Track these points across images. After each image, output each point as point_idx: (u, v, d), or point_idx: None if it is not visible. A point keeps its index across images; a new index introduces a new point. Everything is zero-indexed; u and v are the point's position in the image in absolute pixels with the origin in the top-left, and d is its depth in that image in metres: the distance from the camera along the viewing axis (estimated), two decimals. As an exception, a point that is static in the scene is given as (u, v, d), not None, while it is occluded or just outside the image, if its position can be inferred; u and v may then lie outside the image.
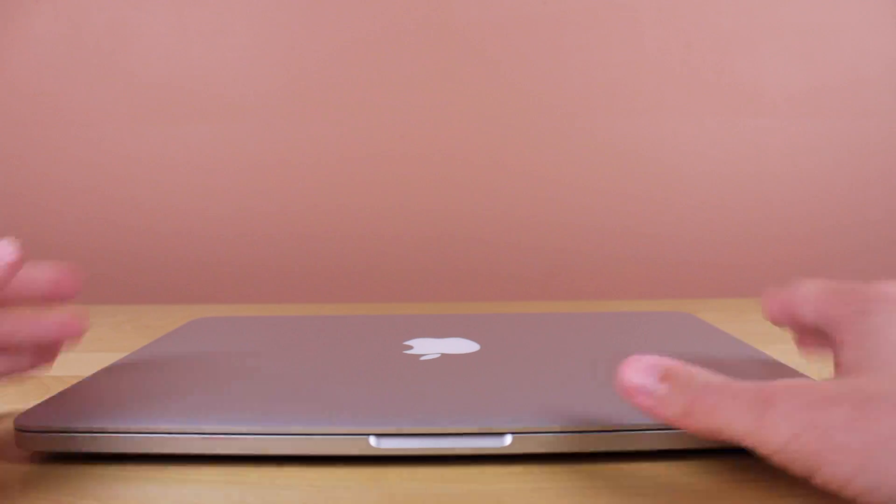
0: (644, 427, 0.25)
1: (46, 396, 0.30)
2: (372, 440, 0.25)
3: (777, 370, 0.32)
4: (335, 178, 0.74)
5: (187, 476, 0.25)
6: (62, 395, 0.30)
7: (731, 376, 0.21)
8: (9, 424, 0.30)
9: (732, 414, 0.19)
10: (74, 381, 0.37)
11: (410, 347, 0.35)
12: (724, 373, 0.21)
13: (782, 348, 0.36)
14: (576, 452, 0.25)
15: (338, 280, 0.76)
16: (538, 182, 0.74)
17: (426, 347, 0.35)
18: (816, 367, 0.34)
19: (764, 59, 0.72)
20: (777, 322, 0.27)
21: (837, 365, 0.23)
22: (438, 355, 0.34)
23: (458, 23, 0.72)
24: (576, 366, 0.32)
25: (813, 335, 0.27)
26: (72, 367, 0.40)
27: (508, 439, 0.24)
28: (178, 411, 0.26)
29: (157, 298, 0.76)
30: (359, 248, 0.75)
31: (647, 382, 0.21)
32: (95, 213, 0.76)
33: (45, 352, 0.30)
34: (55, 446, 0.26)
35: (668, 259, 0.74)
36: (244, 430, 0.25)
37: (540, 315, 0.45)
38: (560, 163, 0.74)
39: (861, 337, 0.22)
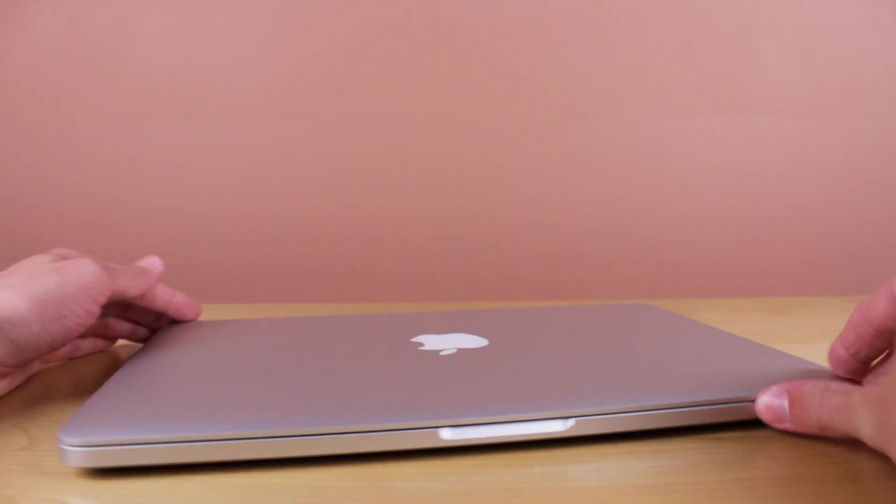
0: (695, 404, 0.27)
1: (57, 401, 0.29)
2: (444, 432, 0.25)
3: (745, 347, 0.36)
4: (336, 178, 0.74)
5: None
6: (97, 404, 0.27)
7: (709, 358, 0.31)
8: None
9: (842, 426, 0.24)
10: (76, 381, 0.37)
11: (422, 344, 0.35)
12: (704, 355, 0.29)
13: (783, 348, 0.37)
14: (631, 431, 0.27)
15: (337, 280, 0.76)
16: (538, 182, 0.74)
17: (437, 344, 0.35)
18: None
19: (764, 59, 0.72)
20: (851, 349, 0.29)
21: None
22: (455, 350, 0.34)
23: (458, 23, 0.72)
24: (587, 355, 0.34)
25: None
26: (72, 366, 0.40)
27: (572, 423, 0.26)
28: (242, 415, 0.25)
29: (157, 298, 0.76)
30: (358, 248, 0.75)
31: (777, 406, 0.27)
32: (95, 212, 0.76)
33: (162, 320, 0.44)
34: (113, 461, 0.24)
35: (668, 259, 0.74)
36: (314, 430, 0.24)
37: (524, 310, 0.46)
38: (560, 163, 0.74)
39: None
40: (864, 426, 0.22)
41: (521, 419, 0.26)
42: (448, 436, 0.25)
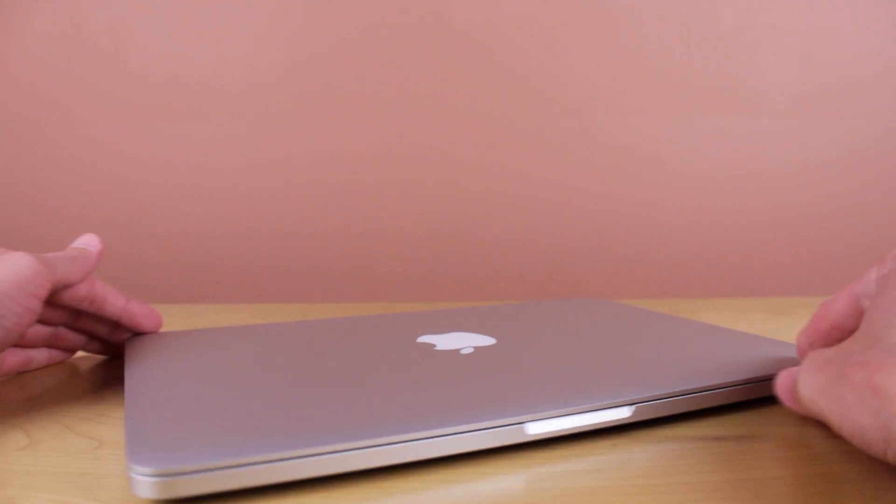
0: (740, 382, 0.29)
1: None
2: (529, 426, 0.25)
3: (697, 329, 0.39)
4: (336, 178, 0.74)
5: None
6: (149, 427, 0.24)
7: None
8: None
9: (793, 394, 0.25)
10: (76, 381, 0.37)
11: (433, 345, 0.35)
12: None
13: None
14: (684, 413, 0.28)
15: (337, 280, 0.76)
16: (538, 182, 0.74)
17: (447, 343, 0.35)
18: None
19: (764, 59, 0.72)
20: (815, 344, 0.30)
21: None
22: (472, 349, 0.34)
23: (458, 24, 0.72)
24: (592, 348, 0.35)
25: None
26: (72, 366, 0.40)
27: (633, 409, 0.27)
28: (322, 428, 0.23)
29: (157, 298, 0.76)
30: (357, 248, 0.75)
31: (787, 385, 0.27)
32: (95, 212, 0.76)
33: (120, 331, 0.39)
34: (194, 489, 0.21)
35: (668, 259, 0.74)
36: (405, 437, 0.23)
37: (501, 307, 0.47)
38: (560, 163, 0.74)
39: (872, 301, 0.24)
40: (804, 390, 0.23)
41: (592, 408, 0.26)
42: (534, 430, 0.25)
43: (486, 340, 0.36)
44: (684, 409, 0.28)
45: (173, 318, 0.58)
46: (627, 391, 0.27)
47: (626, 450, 0.26)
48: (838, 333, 0.29)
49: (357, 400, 0.26)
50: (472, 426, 0.24)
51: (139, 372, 0.31)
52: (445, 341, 0.36)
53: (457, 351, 0.34)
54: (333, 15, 0.72)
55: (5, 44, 0.74)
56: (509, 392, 0.27)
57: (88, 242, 0.37)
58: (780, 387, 0.27)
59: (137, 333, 0.39)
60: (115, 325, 0.39)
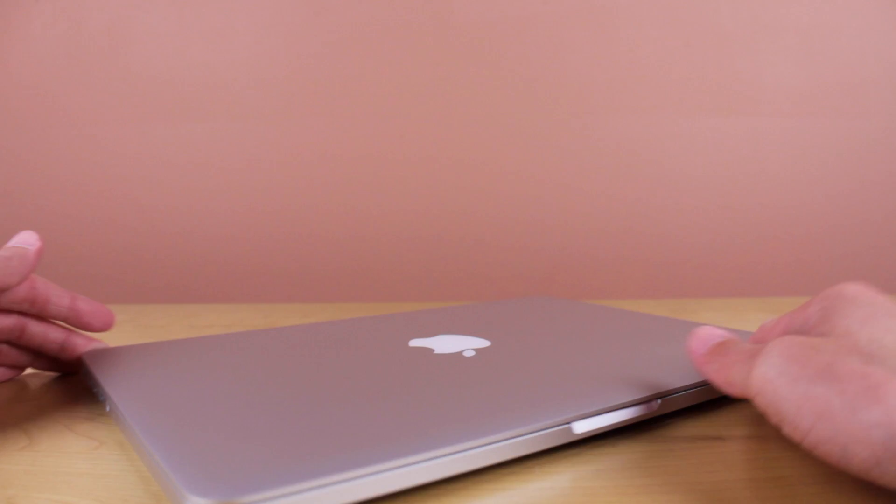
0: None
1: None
2: (576, 425, 0.25)
3: (645, 321, 0.41)
4: (336, 179, 0.74)
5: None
6: (196, 451, 0.22)
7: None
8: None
9: (736, 366, 0.23)
10: (76, 380, 0.37)
11: (431, 349, 0.34)
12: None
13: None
14: (706, 401, 0.30)
15: (337, 280, 0.76)
16: (538, 182, 0.74)
17: (442, 347, 0.35)
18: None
19: (764, 59, 0.72)
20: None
21: None
22: (473, 352, 0.34)
23: (459, 24, 0.72)
24: (584, 347, 0.35)
25: None
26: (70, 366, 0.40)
27: (659, 402, 0.28)
28: (384, 442, 0.22)
29: (157, 298, 0.76)
30: (357, 248, 0.75)
31: (699, 347, 0.26)
32: (95, 212, 0.76)
33: (71, 345, 0.35)
34: None
35: (668, 259, 0.74)
36: (464, 446, 0.23)
37: (456, 308, 0.47)
38: (560, 163, 0.74)
39: (826, 319, 0.23)
40: (767, 370, 0.21)
41: (629, 403, 0.27)
42: (580, 429, 0.25)
43: (480, 342, 0.36)
44: (704, 398, 0.29)
45: (173, 318, 0.58)
46: (654, 385, 0.28)
47: (626, 450, 0.26)
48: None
49: (395, 412, 0.25)
50: (523, 430, 0.24)
51: (130, 390, 0.29)
52: (439, 344, 0.36)
53: (458, 354, 0.34)
54: (333, 14, 0.72)
55: (5, 44, 0.74)
56: (547, 393, 0.27)
57: (26, 241, 0.33)
58: (698, 353, 0.26)
59: (90, 342, 0.36)
60: (66, 339, 0.35)
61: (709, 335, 0.27)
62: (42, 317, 0.34)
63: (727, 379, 0.24)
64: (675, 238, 0.74)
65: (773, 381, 0.20)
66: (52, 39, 0.74)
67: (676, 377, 0.29)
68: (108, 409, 0.28)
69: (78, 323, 0.35)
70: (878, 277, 0.74)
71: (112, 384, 0.29)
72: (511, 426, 0.24)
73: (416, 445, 0.22)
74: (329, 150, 0.74)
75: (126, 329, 0.54)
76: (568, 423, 0.25)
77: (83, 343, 0.36)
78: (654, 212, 0.74)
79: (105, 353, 0.34)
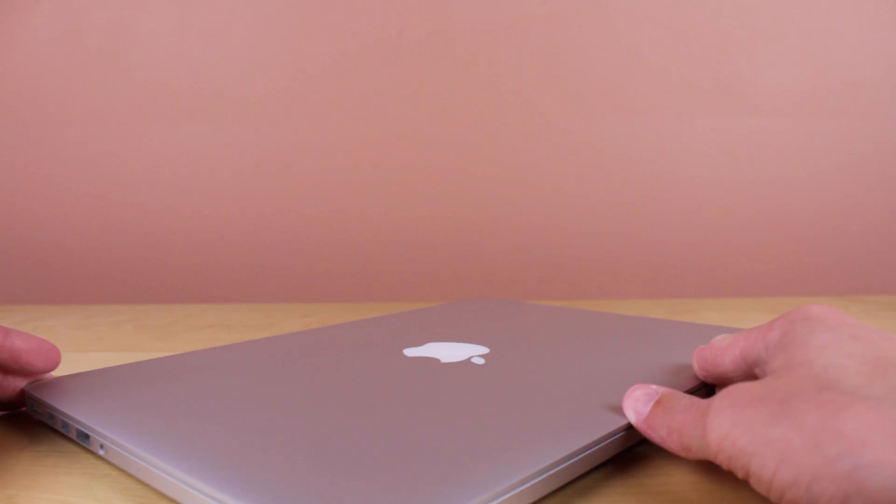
0: None
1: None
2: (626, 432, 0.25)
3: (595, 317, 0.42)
4: (336, 179, 0.74)
5: None
6: (258, 481, 0.20)
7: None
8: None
9: (690, 429, 0.21)
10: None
11: (437, 359, 0.34)
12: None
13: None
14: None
15: (337, 280, 0.76)
16: (538, 182, 0.74)
17: (446, 355, 0.35)
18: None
19: (764, 58, 0.72)
20: (704, 379, 0.29)
21: (764, 375, 0.24)
22: (482, 360, 0.33)
23: (458, 25, 0.72)
24: (586, 350, 0.36)
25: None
26: (76, 366, 0.40)
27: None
28: (483, 464, 0.21)
29: (157, 298, 0.76)
30: (357, 249, 0.75)
31: (641, 405, 0.24)
32: (95, 212, 0.76)
33: (7, 381, 0.30)
34: None
35: (667, 259, 0.74)
36: (575, 450, 0.22)
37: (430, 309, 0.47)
38: (560, 163, 0.74)
39: (785, 347, 0.22)
40: (720, 425, 0.20)
41: None
42: (626, 438, 0.25)
43: (481, 349, 0.35)
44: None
45: (173, 318, 0.58)
46: (688, 382, 0.29)
47: (627, 450, 0.26)
48: (727, 381, 0.27)
49: (464, 429, 0.24)
50: (600, 439, 0.23)
51: (123, 422, 0.25)
52: (438, 352, 0.35)
53: (467, 361, 0.33)
54: (333, 16, 0.72)
55: (5, 44, 0.74)
56: (601, 399, 0.27)
57: None
58: (640, 416, 0.24)
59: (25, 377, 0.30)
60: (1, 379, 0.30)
61: (645, 395, 0.24)
62: None
63: (682, 445, 0.22)
64: (675, 238, 0.74)
65: (728, 434, 0.19)
66: (52, 39, 0.74)
67: (684, 379, 0.29)
68: (100, 449, 0.25)
69: (14, 363, 0.29)
70: (878, 277, 0.74)
71: (98, 419, 0.26)
72: (593, 435, 0.23)
73: (519, 469, 0.21)
74: (329, 150, 0.74)
75: (126, 329, 0.54)
76: (617, 433, 0.24)
77: (19, 381, 0.30)
78: (654, 212, 0.74)
79: (56, 385, 0.30)
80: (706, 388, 0.29)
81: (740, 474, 0.19)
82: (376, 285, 0.75)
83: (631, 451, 0.26)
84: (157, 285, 0.76)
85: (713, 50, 0.72)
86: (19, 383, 0.30)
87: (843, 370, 0.19)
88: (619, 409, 0.25)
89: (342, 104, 0.73)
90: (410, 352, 0.35)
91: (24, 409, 0.31)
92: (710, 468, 0.25)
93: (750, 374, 0.25)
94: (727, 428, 0.19)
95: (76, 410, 0.26)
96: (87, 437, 0.25)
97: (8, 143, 0.76)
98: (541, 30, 0.72)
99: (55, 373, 0.37)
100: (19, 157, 0.76)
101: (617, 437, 0.24)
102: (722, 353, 0.26)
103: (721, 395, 0.20)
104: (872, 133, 0.73)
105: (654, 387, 0.25)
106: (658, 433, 0.23)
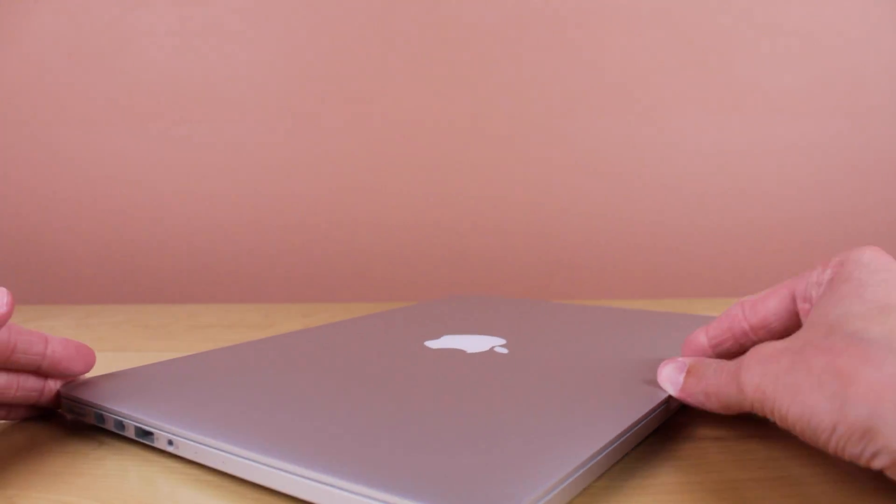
0: None
1: None
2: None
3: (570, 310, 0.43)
4: (336, 179, 0.74)
5: None
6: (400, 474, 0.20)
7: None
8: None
9: (726, 388, 0.24)
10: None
11: (462, 350, 0.34)
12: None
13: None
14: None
15: (337, 280, 0.76)
16: (538, 182, 0.74)
17: (469, 346, 0.35)
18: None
19: (764, 58, 0.72)
20: (730, 336, 0.30)
21: (807, 313, 0.27)
22: (505, 350, 0.34)
23: (459, 24, 0.72)
24: (595, 340, 0.36)
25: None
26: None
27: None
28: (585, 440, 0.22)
29: (157, 298, 0.76)
30: (358, 249, 0.75)
31: (674, 376, 0.27)
32: (95, 212, 0.76)
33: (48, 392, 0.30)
34: None
35: (667, 259, 0.74)
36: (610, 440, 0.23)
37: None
38: (560, 163, 0.74)
39: (830, 286, 0.25)
40: (751, 378, 0.22)
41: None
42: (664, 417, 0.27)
43: (498, 340, 0.36)
44: None
45: (173, 318, 0.58)
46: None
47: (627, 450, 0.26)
48: (755, 336, 0.28)
49: (533, 411, 0.25)
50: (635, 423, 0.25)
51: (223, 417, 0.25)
52: (460, 344, 0.35)
53: (492, 351, 0.34)
54: (334, 16, 0.72)
55: (5, 44, 0.74)
56: (636, 379, 0.29)
57: None
58: (668, 380, 0.27)
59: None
60: (43, 386, 0.30)
61: (676, 367, 0.27)
62: (8, 369, 0.28)
63: (722, 404, 0.25)
64: (675, 238, 0.74)
65: (759, 385, 0.22)
66: (52, 39, 0.74)
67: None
68: (169, 445, 0.25)
69: (55, 371, 0.29)
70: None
71: (167, 415, 0.26)
72: (635, 416, 0.25)
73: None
74: (330, 151, 0.74)
75: (126, 329, 0.54)
76: (660, 406, 0.26)
77: (54, 384, 0.30)
78: (654, 212, 0.74)
79: (100, 385, 0.30)
80: None
81: (769, 416, 0.22)
82: (377, 285, 0.75)
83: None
84: (157, 285, 0.76)
85: (713, 50, 0.72)
86: (53, 386, 0.30)
87: (850, 316, 0.22)
88: (654, 385, 0.28)
89: (343, 105, 0.73)
90: (432, 344, 0.36)
91: (59, 410, 0.31)
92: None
93: (793, 313, 0.27)
94: (758, 380, 0.22)
95: (137, 409, 0.27)
96: (148, 434, 0.26)
97: (8, 143, 0.76)
98: (541, 31, 0.72)
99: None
100: (19, 157, 0.76)
101: (660, 409, 0.26)
102: (766, 297, 0.28)
103: (748, 355, 0.23)
104: (872, 133, 0.73)
105: (681, 359, 0.27)
106: (696, 398, 0.26)
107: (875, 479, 0.23)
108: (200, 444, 0.24)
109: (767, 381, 0.22)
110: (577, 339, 0.36)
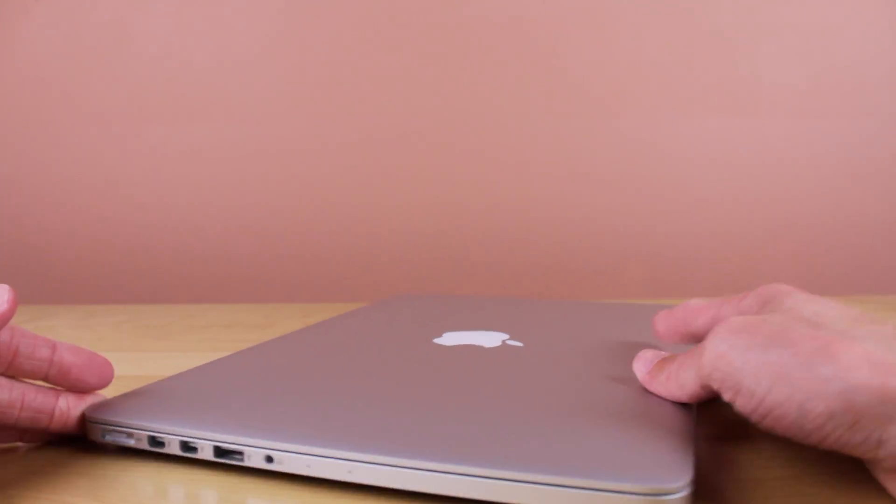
0: None
1: None
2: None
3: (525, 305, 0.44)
4: (336, 179, 0.74)
5: None
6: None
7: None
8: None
9: (684, 367, 0.24)
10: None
11: (476, 346, 0.34)
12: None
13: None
14: None
15: (337, 280, 0.76)
16: (538, 182, 0.74)
17: (478, 341, 0.35)
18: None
19: (764, 59, 0.72)
20: (667, 339, 0.30)
21: None
22: (521, 344, 0.34)
23: (459, 23, 0.72)
24: (596, 340, 0.36)
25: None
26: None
27: None
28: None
29: (157, 298, 0.76)
30: (358, 249, 0.75)
31: (645, 366, 0.27)
32: (95, 212, 0.76)
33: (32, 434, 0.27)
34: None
35: (668, 259, 0.74)
36: None
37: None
38: (561, 163, 0.74)
39: (764, 306, 0.24)
40: (717, 346, 0.21)
41: None
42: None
43: (502, 336, 0.36)
44: None
45: (173, 318, 0.58)
46: None
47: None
48: (694, 340, 0.28)
49: (602, 398, 0.25)
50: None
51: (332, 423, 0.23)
52: (470, 339, 0.35)
53: (504, 345, 0.34)
54: (335, 14, 0.72)
55: (5, 44, 0.74)
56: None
57: None
58: (642, 373, 0.26)
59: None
60: (56, 402, 0.26)
61: (653, 355, 0.27)
62: (12, 376, 0.25)
63: (679, 383, 0.24)
64: (676, 238, 0.74)
65: (725, 354, 0.21)
66: (52, 39, 0.74)
67: None
68: (267, 459, 0.23)
69: (65, 382, 0.26)
70: (878, 277, 0.74)
71: (246, 430, 0.23)
72: None
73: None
74: (330, 150, 0.74)
75: (126, 329, 0.54)
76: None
77: (74, 402, 0.26)
78: (654, 212, 0.74)
79: (125, 403, 0.27)
80: None
81: (728, 394, 0.21)
82: (377, 286, 0.75)
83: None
84: (157, 285, 0.76)
85: (713, 50, 0.72)
86: (66, 408, 0.26)
87: (830, 317, 0.21)
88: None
89: (343, 104, 0.73)
90: (441, 341, 0.35)
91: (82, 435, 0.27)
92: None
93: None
94: (724, 349, 0.21)
95: (215, 429, 0.24)
96: (227, 453, 0.24)
97: (7, 143, 0.76)
98: (541, 30, 0.72)
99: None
100: (19, 157, 0.76)
101: None
102: (696, 314, 0.28)
103: (718, 326, 0.22)
104: (872, 133, 0.72)
105: (662, 352, 0.27)
106: (658, 381, 0.25)
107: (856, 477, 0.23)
108: (317, 455, 0.22)
109: (736, 354, 0.20)
110: (583, 334, 0.37)
